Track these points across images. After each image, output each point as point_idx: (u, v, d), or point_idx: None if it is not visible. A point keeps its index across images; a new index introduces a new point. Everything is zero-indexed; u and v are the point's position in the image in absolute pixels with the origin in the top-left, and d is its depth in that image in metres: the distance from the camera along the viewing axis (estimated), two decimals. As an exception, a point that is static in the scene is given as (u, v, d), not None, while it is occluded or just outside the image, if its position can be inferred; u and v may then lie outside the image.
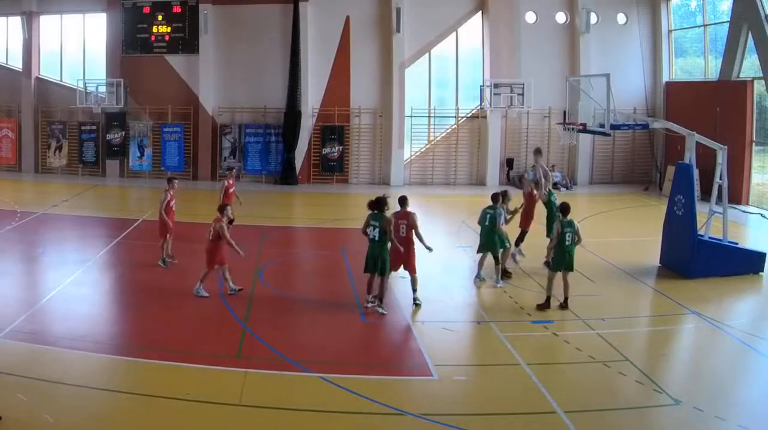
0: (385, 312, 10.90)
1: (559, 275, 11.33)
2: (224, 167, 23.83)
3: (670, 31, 25.61)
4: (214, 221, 11.57)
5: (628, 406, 8.01)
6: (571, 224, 11.17)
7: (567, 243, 11.12)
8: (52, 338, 9.61)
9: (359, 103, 25.58)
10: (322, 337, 10.25)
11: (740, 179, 21.02)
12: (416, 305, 11.25)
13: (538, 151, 15.34)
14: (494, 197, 12.72)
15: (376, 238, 10.80)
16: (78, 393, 7.99)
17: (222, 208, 11.75)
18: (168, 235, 13.64)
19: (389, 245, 10.89)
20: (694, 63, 25.44)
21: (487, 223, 12.47)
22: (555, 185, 24.74)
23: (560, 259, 11.20)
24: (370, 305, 11.06)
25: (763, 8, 19.86)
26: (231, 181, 16.04)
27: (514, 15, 25.25)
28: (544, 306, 11.30)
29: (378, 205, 10.87)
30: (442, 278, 13.45)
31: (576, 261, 14.47)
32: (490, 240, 12.45)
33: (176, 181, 14.20)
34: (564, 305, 11.29)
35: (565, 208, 11.33)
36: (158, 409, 7.71)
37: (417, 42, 25.38)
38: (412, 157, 26.14)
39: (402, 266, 11.18)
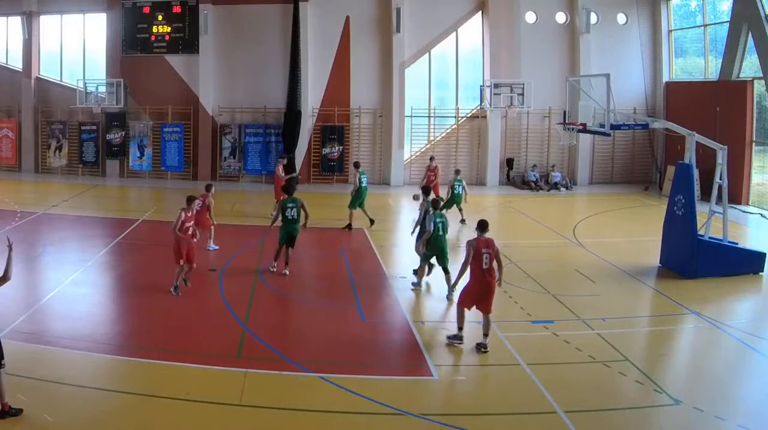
0: (286, 273, 12.90)
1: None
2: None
3: (670, 31, 25.61)
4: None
5: (628, 406, 8.01)
6: (443, 215, 12.05)
7: (440, 233, 11.98)
8: (52, 338, 9.61)
9: (359, 103, 25.58)
10: (322, 337, 10.25)
11: (740, 179, 21.02)
12: (484, 351, 9.54)
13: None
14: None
15: (295, 217, 12.93)
16: (78, 393, 7.99)
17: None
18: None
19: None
20: (694, 63, 25.44)
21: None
22: (555, 185, 24.84)
23: (433, 248, 12.17)
24: (274, 270, 13.10)
25: (763, 8, 19.87)
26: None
27: (514, 15, 25.24)
28: (417, 274, 12.79)
29: (292, 188, 13.36)
30: (443, 278, 13.45)
31: (577, 261, 14.56)
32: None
33: (213, 187, 15.27)
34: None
35: (435, 204, 12.28)
36: (158, 409, 7.71)
37: (417, 42, 25.38)
38: (412, 157, 26.14)
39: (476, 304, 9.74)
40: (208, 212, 14.63)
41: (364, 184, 17.74)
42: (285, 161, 20.14)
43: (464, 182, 18.34)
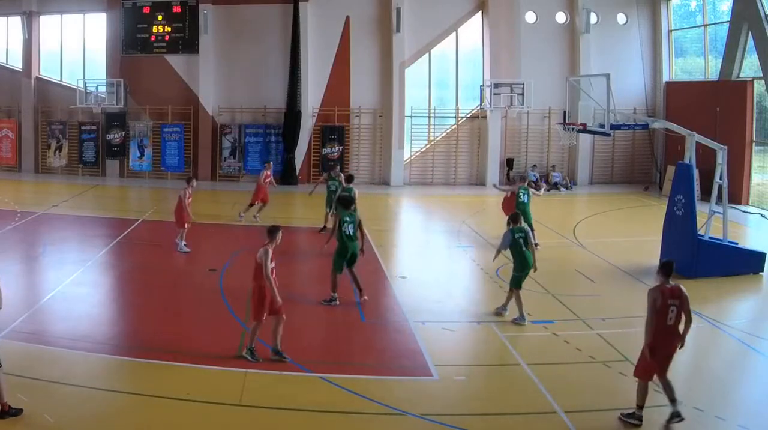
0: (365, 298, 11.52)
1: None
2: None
3: (670, 31, 25.62)
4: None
5: (628, 406, 8.00)
6: (523, 229, 10.99)
7: (522, 248, 10.86)
8: (52, 338, 9.61)
9: (359, 103, 25.58)
10: (322, 337, 10.25)
11: (740, 179, 21.02)
12: (679, 420, 7.52)
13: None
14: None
15: (351, 233, 11.61)
16: (78, 393, 7.99)
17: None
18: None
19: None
20: (694, 63, 25.44)
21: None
22: (555, 185, 24.85)
23: (521, 267, 11.21)
24: (337, 303, 11.53)
25: (763, 8, 19.87)
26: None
27: (514, 15, 25.25)
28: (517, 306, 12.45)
29: (350, 203, 11.90)
30: (443, 278, 13.45)
31: (577, 261, 14.57)
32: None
33: (194, 180, 15.81)
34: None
35: (514, 218, 11.19)
36: (158, 409, 7.71)
37: (417, 42, 25.39)
38: (412, 157, 26.15)
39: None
40: (182, 206, 14.71)
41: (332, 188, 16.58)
42: (271, 168, 19.33)
43: (531, 190, 15.70)
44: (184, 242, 14.93)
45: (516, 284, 10.81)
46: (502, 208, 15.57)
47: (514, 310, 10.77)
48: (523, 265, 10.80)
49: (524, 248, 10.78)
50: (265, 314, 9.10)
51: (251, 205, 18.22)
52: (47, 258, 14.40)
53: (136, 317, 10.98)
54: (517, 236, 10.81)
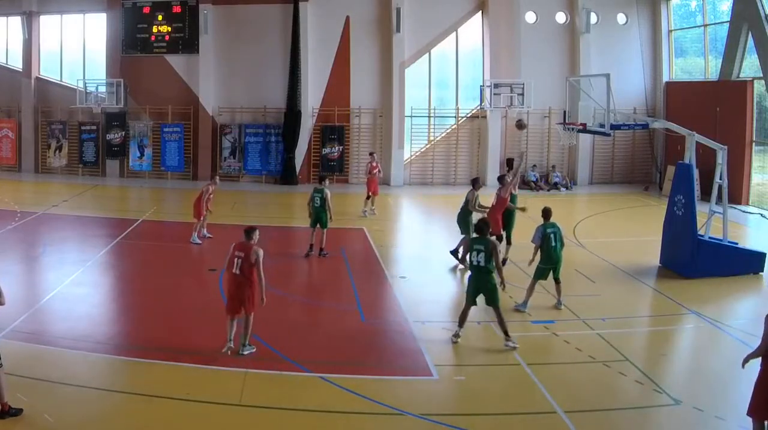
0: (516, 345, 9.55)
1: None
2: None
3: (670, 31, 25.63)
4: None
5: (628, 406, 8.01)
6: (554, 225, 11.29)
7: (553, 244, 11.16)
8: (52, 338, 9.61)
9: (359, 103, 25.58)
10: (322, 337, 10.25)
11: (740, 179, 21.02)
12: None
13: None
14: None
15: (481, 264, 9.58)
16: (78, 393, 7.99)
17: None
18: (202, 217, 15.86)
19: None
20: (694, 63, 25.44)
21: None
22: (555, 185, 24.85)
23: (548, 261, 11.21)
24: (456, 339, 9.82)
25: (763, 8, 19.87)
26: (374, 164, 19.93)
27: (514, 15, 25.25)
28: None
29: (483, 228, 9.84)
30: (443, 278, 13.45)
31: (576, 261, 14.56)
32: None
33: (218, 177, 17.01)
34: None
35: (546, 214, 11.36)
36: (158, 409, 7.71)
37: (417, 42, 25.40)
38: (412, 158, 26.15)
39: None
40: (201, 198, 15.57)
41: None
42: (375, 158, 20.52)
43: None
44: (197, 234, 15.61)
45: (540, 275, 11.23)
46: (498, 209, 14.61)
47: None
48: (550, 259, 11.17)
49: (554, 244, 11.14)
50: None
51: (368, 198, 19.13)
52: (47, 258, 14.39)
53: (136, 317, 10.99)
54: (549, 231, 11.15)
